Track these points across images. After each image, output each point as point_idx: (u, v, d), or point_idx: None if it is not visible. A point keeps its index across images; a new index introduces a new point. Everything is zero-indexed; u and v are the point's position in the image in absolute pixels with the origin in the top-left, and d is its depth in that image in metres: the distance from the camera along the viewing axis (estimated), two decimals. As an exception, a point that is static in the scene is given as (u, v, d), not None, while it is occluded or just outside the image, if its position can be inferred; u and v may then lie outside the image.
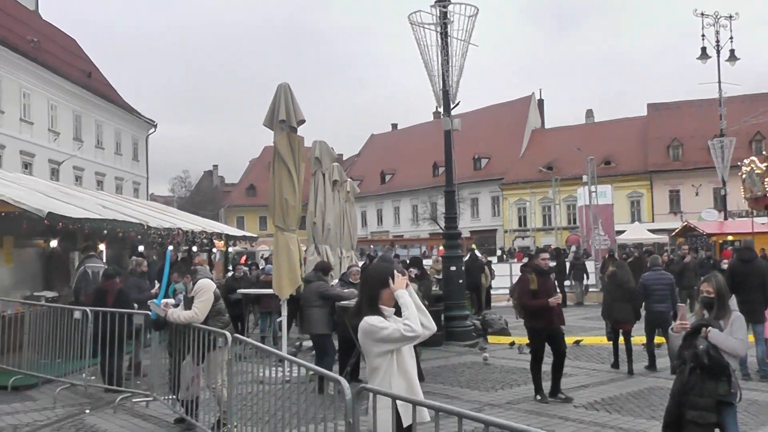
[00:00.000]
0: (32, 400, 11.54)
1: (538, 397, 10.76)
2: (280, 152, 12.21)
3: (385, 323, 4.90)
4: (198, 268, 9.96)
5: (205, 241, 22.67)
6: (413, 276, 12.79)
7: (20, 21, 51.79)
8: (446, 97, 18.07)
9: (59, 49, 56.03)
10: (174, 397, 9.62)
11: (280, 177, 12.24)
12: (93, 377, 11.91)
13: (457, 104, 18.14)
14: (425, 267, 16.93)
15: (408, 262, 16.50)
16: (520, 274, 12.48)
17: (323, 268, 12.86)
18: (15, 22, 50.17)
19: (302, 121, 12.35)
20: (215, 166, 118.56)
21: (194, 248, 23.48)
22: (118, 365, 11.44)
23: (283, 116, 12.09)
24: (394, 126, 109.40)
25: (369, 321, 4.97)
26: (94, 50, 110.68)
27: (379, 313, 5.01)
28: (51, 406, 10.95)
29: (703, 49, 37.48)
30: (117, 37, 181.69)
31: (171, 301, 10.14)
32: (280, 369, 6.62)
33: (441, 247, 23.29)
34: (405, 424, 4.73)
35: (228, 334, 8.12)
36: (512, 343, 16.14)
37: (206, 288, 9.17)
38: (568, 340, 13.12)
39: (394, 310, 5.08)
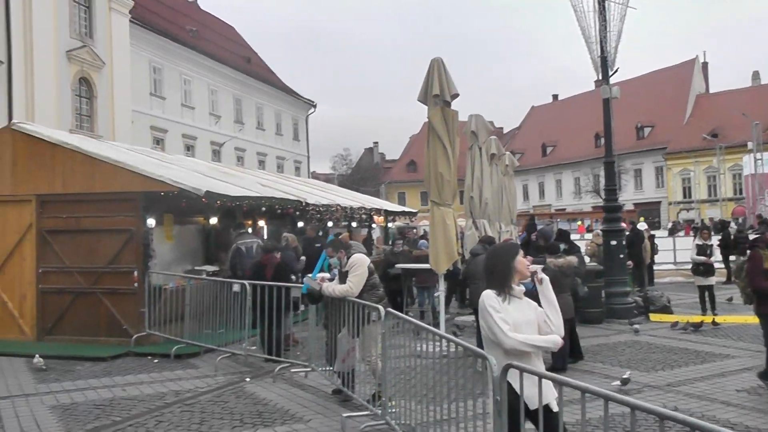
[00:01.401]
0: (194, 367, 12.14)
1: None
2: (434, 127, 12.16)
3: (496, 314, 4.86)
4: (352, 243, 10.11)
5: (364, 216, 23.04)
6: (561, 250, 12.34)
7: (180, 12, 54.58)
8: (604, 65, 17.43)
9: (218, 36, 58.52)
10: (331, 368, 9.81)
11: (435, 152, 12.19)
12: (253, 347, 12.39)
13: (616, 71, 17.45)
14: (573, 241, 16.39)
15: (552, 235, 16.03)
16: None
17: (489, 241, 12.78)
18: (175, 13, 52.87)
19: (456, 95, 12.23)
20: (375, 143, 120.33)
21: (353, 224, 23.88)
22: (278, 336, 11.82)
23: (437, 91, 11.99)
24: (555, 97, 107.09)
25: (486, 300, 4.94)
26: (252, 36, 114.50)
27: (506, 290, 4.96)
28: (212, 373, 11.49)
29: None
30: (275, 22, 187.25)
31: (326, 275, 10.34)
32: (433, 344, 6.55)
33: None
34: (531, 406, 4.67)
35: (381, 308, 8.16)
36: (675, 323, 15.44)
37: (360, 262, 9.27)
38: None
39: (523, 290, 5.04)
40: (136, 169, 14.13)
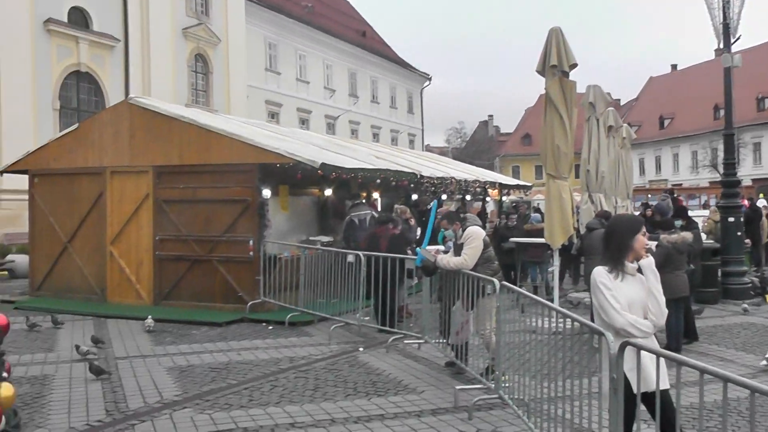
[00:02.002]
0: (308, 335, 12.38)
1: None
2: (551, 98, 11.95)
3: (607, 291, 4.77)
4: (468, 215, 10.05)
5: (478, 190, 22.86)
6: (676, 226, 11.91)
7: (295, -11, 54.88)
8: (726, 32, 16.48)
9: (333, 11, 58.78)
10: (444, 341, 9.82)
11: (551, 123, 12.00)
12: (367, 318, 12.50)
13: (738, 38, 16.49)
14: (691, 218, 15.78)
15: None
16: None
17: (605, 216, 12.51)
18: (290, -10, 53.25)
19: (574, 65, 11.96)
20: (490, 116, 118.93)
21: (467, 197, 23.74)
22: (391, 308, 11.89)
23: (555, 61, 11.77)
24: (674, 67, 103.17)
25: (597, 277, 4.85)
26: (367, 10, 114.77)
27: (618, 267, 4.85)
28: (326, 342, 11.67)
29: None
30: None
31: (440, 247, 10.29)
32: (548, 320, 6.47)
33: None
34: (647, 387, 4.57)
35: (496, 281, 8.08)
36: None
37: (476, 235, 9.19)
38: None
39: (636, 266, 4.91)
40: (252, 142, 14.40)
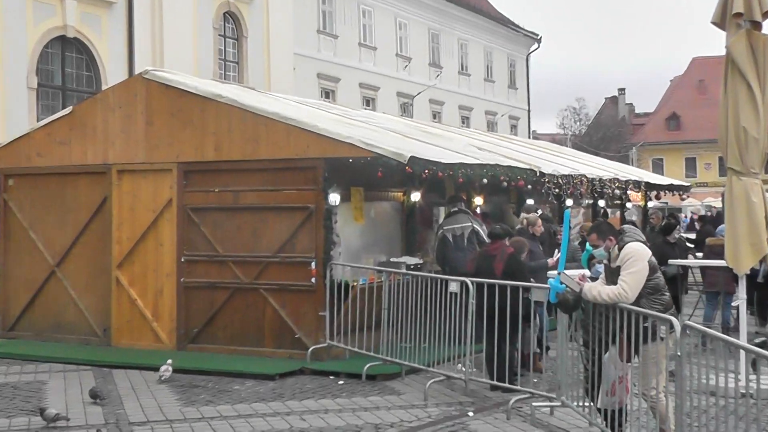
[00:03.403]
0: (395, 393, 12.29)
1: None
2: (735, 60, 11.61)
3: None
4: (626, 227, 9.84)
5: (617, 192, 22.38)
6: None
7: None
8: None
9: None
10: (590, 403, 9.62)
11: (735, 96, 11.66)
12: (475, 369, 12.34)
13: None
14: None
15: None
16: None
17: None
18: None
19: (768, 13, 11.60)
20: (621, 91, 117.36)
21: (600, 202, 23.32)
22: (511, 356, 11.69)
23: (740, 8, 11.44)
24: None
25: None
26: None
27: None
28: (420, 403, 11.55)
29: None
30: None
31: (586, 272, 10.02)
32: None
33: None
34: None
35: (674, 320, 7.92)
36: None
37: (638, 255, 8.93)
38: None
39: None
40: (316, 129, 14.31)
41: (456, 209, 16.65)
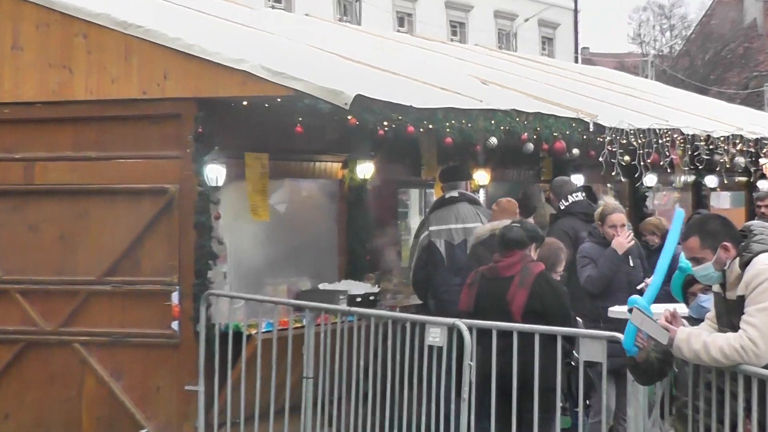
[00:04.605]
0: None
1: None
2: None
3: None
4: (755, 225, 7.04)
5: (739, 160, 16.24)
6: None
7: None
8: None
9: None
10: None
11: None
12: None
13: None
14: None
15: None
16: None
17: None
18: None
19: None
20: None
21: (709, 179, 17.56)
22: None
23: None
24: None
25: None
26: None
27: None
28: None
29: None
30: None
31: (678, 308, 7.52)
32: None
33: None
34: None
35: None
36: None
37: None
38: None
39: None
40: (181, 45, 10.02)
41: (455, 195, 12.17)
